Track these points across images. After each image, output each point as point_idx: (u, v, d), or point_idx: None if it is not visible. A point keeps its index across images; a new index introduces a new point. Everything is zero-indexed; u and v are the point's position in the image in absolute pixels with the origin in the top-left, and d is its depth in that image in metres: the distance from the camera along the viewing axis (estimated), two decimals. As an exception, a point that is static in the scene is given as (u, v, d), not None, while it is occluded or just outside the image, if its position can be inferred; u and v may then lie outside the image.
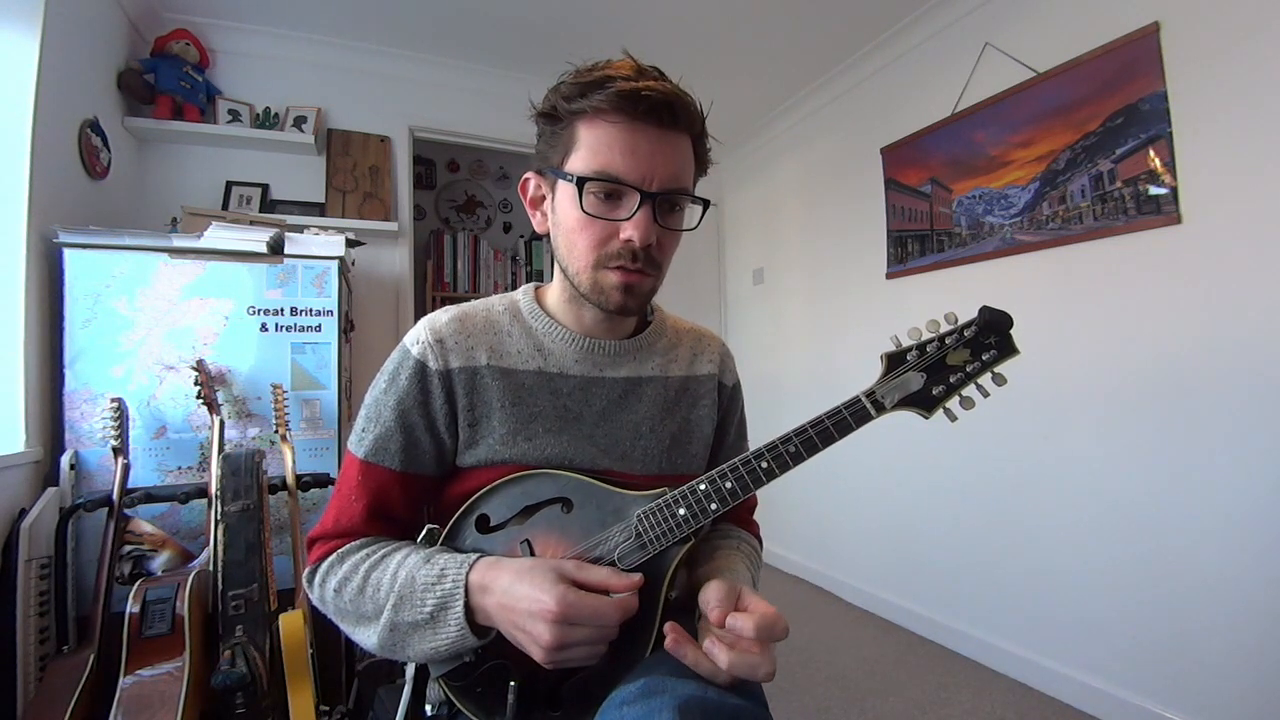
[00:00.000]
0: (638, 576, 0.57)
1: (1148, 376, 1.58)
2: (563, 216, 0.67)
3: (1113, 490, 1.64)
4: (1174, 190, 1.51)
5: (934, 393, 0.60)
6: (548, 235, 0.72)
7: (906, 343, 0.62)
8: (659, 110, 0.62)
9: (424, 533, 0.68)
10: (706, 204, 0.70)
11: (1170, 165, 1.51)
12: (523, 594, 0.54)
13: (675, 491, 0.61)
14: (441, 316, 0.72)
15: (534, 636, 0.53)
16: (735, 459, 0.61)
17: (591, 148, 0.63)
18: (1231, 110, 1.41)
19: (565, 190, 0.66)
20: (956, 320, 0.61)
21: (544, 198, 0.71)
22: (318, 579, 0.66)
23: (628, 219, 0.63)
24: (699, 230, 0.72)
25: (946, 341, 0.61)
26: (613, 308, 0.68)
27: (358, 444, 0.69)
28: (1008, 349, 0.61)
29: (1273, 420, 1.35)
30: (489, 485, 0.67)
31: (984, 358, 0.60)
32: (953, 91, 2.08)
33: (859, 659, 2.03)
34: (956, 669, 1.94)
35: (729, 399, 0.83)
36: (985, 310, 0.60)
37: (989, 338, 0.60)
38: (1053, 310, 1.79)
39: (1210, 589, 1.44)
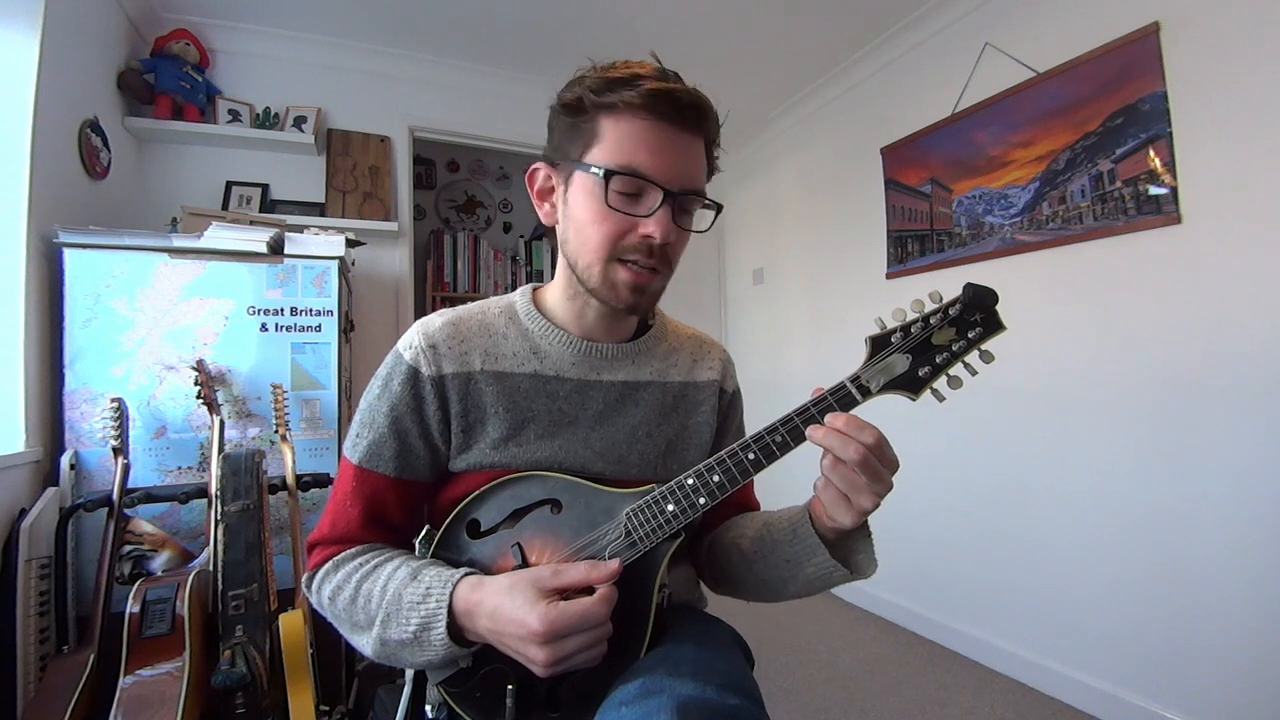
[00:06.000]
0: (615, 564, 0.57)
1: (1147, 376, 1.58)
2: (577, 209, 0.66)
3: (1112, 489, 1.64)
4: (1174, 190, 1.51)
5: (920, 374, 0.59)
6: (553, 228, 0.72)
7: (890, 324, 0.61)
8: (686, 112, 0.63)
9: (423, 533, 0.68)
10: (719, 208, 0.70)
11: (1170, 165, 1.51)
12: (506, 618, 0.54)
13: (663, 488, 0.61)
14: (435, 320, 0.71)
15: (529, 658, 0.53)
16: (721, 452, 0.60)
17: (617, 143, 0.63)
18: (1231, 110, 1.41)
19: (583, 182, 0.65)
20: (941, 299, 0.60)
21: (554, 189, 0.71)
22: (315, 585, 0.67)
23: (648, 216, 0.63)
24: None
25: (931, 321, 0.60)
26: (622, 305, 0.68)
27: (352, 449, 0.69)
28: (994, 325, 0.59)
29: (1273, 420, 1.35)
30: (478, 490, 0.66)
31: (970, 335, 0.59)
32: (953, 91, 2.08)
33: (859, 659, 2.03)
34: (956, 669, 1.94)
35: (729, 405, 0.83)
36: (969, 287, 0.59)
37: (974, 315, 0.59)
38: (1053, 310, 1.79)
39: (1211, 588, 1.44)
